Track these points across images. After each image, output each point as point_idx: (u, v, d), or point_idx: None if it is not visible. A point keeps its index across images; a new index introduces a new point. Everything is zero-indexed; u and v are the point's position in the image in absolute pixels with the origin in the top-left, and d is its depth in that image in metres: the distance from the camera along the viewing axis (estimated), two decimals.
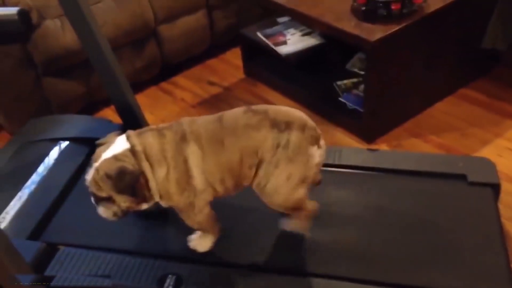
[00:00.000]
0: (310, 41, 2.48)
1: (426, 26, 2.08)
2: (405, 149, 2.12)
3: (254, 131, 1.26)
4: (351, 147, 2.09)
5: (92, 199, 1.29)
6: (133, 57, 2.51)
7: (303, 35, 2.53)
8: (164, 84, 2.71)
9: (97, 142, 1.33)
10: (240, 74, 2.72)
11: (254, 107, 1.33)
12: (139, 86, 2.58)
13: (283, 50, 2.44)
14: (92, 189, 1.26)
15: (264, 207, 1.37)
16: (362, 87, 2.31)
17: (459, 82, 2.42)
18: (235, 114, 1.32)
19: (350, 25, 2.04)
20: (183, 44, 2.67)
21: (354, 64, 2.51)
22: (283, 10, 2.38)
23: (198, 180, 1.28)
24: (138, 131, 1.33)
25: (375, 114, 2.17)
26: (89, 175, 1.25)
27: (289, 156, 1.25)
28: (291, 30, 2.56)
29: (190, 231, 1.48)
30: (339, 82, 2.41)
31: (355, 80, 2.41)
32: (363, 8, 2.07)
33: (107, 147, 1.28)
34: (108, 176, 1.21)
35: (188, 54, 2.75)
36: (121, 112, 1.96)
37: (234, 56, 2.83)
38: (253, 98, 2.54)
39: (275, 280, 1.37)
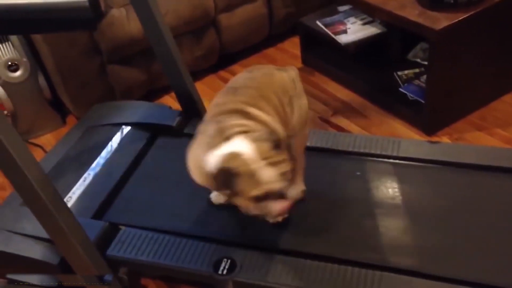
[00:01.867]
0: (371, 30, 2.43)
1: (496, 14, 1.98)
2: (468, 142, 2.04)
3: (272, 76, 1.42)
4: (410, 139, 2.04)
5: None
6: (192, 46, 2.55)
7: (364, 24, 2.48)
8: (222, 72, 2.74)
9: None
10: (298, 63, 2.70)
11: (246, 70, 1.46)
12: (197, 74, 2.61)
13: (342, 39, 2.40)
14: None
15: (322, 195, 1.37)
16: (424, 77, 2.24)
17: None
18: (244, 76, 1.43)
19: (414, 13, 1.98)
20: (242, 33, 2.69)
21: (416, 54, 2.44)
22: None
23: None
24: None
25: (437, 106, 2.10)
26: None
27: (300, 86, 1.49)
28: (352, 19, 2.52)
29: (246, 217, 1.50)
30: (400, 72, 2.35)
31: (417, 70, 2.34)
32: None
33: None
34: None
35: (246, 43, 2.76)
36: (181, 99, 2.01)
37: (292, 46, 2.81)
38: (311, 87, 2.52)
39: (330, 269, 1.37)
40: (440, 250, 1.41)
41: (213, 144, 1.22)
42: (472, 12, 1.91)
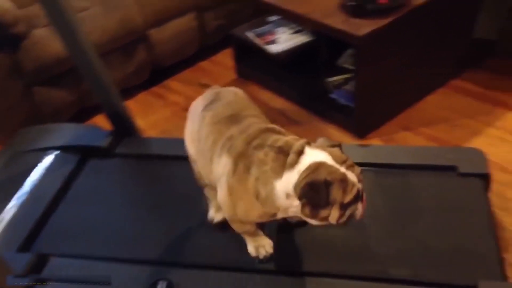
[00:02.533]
0: (300, 39, 2.47)
1: (415, 19, 2.07)
2: (397, 143, 2.11)
3: (238, 95, 1.49)
4: (343, 143, 2.08)
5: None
6: (123, 62, 2.51)
7: (293, 33, 2.52)
8: (155, 89, 2.71)
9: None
10: (232, 75, 2.71)
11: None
12: (130, 91, 2.57)
13: (273, 48, 2.43)
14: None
15: None
16: (353, 83, 2.30)
17: (450, 74, 2.41)
18: (220, 104, 1.38)
19: (338, 21, 2.04)
20: (173, 47, 2.67)
21: (345, 60, 2.50)
22: (273, 9, 2.38)
23: None
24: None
25: (367, 110, 2.16)
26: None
27: None
28: (281, 29, 2.56)
29: (175, 235, 1.49)
30: (330, 79, 2.40)
31: (346, 76, 2.40)
32: (351, 3, 2.06)
33: None
34: None
35: (178, 57, 2.75)
36: (111, 118, 1.97)
37: (226, 57, 2.82)
38: None
39: (266, 280, 1.37)
40: (381, 251, 1.44)
41: (281, 165, 1.16)
42: (393, 18, 1.99)
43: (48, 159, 1.83)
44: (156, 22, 2.58)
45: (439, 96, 2.32)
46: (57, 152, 1.86)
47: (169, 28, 2.64)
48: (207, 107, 1.37)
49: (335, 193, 1.13)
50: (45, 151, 1.86)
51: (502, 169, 1.89)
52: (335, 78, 2.40)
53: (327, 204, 1.14)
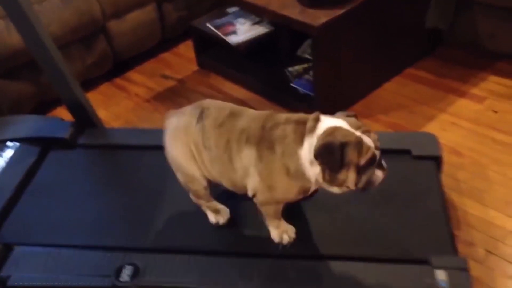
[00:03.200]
0: (260, 30, 2.51)
1: (370, 9, 2.14)
2: None
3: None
4: None
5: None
6: (83, 54, 2.49)
7: (253, 24, 2.56)
8: (117, 80, 2.70)
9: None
10: (194, 66, 2.73)
11: None
12: (91, 83, 2.56)
13: (233, 39, 2.46)
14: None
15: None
16: (312, 72, 2.36)
17: (405, 62, 2.50)
18: (214, 106, 1.42)
19: (295, 12, 2.09)
20: (134, 38, 2.67)
21: (305, 50, 2.56)
22: (232, 1, 2.41)
23: None
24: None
25: (326, 98, 2.23)
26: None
27: None
28: (241, 20, 2.59)
29: (140, 222, 1.51)
30: (290, 69, 2.46)
31: (305, 65, 2.46)
32: None
33: None
34: None
35: (139, 48, 2.74)
36: (72, 109, 1.97)
37: (187, 49, 2.84)
38: (208, 89, 2.56)
39: (232, 263, 1.42)
40: (341, 232, 1.50)
41: (301, 134, 1.23)
42: (348, 8, 2.05)
43: (9, 151, 1.82)
44: (115, 14, 2.57)
45: (395, 84, 2.41)
46: (18, 143, 1.84)
47: (129, 20, 2.63)
48: (200, 118, 1.37)
49: (350, 155, 1.18)
50: (5, 142, 1.84)
51: (454, 152, 1.99)
52: (295, 67, 2.46)
53: (343, 166, 1.19)
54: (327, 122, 1.23)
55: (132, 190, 1.71)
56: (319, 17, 2.02)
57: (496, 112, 2.18)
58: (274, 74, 2.47)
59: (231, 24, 2.57)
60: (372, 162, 1.21)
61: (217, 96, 2.50)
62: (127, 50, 2.68)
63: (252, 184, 1.32)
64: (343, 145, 1.17)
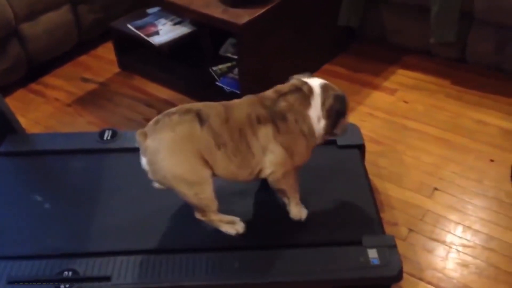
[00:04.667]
0: (182, 30, 2.53)
1: (288, 8, 2.23)
2: None
3: None
4: None
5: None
6: None
7: (174, 24, 2.57)
8: (33, 85, 2.58)
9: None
10: (115, 68, 2.68)
11: None
12: (6, 89, 2.43)
13: (156, 40, 2.45)
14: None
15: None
16: (236, 70, 2.41)
17: (323, 59, 2.63)
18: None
19: (218, 11, 2.13)
20: (49, 42, 2.57)
21: (227, 49, 2.61)
22: (153, 1, 2.40)
23: None
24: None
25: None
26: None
27: None
28: (162, 20, 2.59)
29: (73, 227, 1.48)
30: (214, 68, 2.49)
31: (229, 64, 2.51)
32: None
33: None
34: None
35: (55, 52, 2.64)
36: None
37: (106, 51, 2.78)
38: (132, 91, 2.53)
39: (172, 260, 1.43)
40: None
41: (303, 98, 1.44)
42: (268, 7, 2.13)
43: None
44: (28, 16, 2.46)
45: None
46: None
47: (43, 22, 2.53)
48: (202, 121, 1.37)
49: (348, 104, 1.49)
50: None
51: (373, 141, 2.13)
52: (219, 66, 2.50)
53: (346, 113, 1.49)
54: (314, 82, 1.48)
55: (61, 196, 1.67)
56: (242, 16, 2.08)
57: (406, 102, 2.37)
58: (198, 73, 2.49)
59: (153, 24, 2.55)
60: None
61: (142, 97, 2.48)
62: (43, 54, 2.57)
63: (273, 159, 1.42)
64: (345, 96, 1.47)
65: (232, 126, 1.39)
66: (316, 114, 1.45)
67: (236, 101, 1.49)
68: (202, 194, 1.41)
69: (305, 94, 1.44)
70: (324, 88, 1.46)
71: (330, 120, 1.46)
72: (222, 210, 1.51)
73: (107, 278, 1.37)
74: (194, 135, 1.35)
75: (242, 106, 1.46)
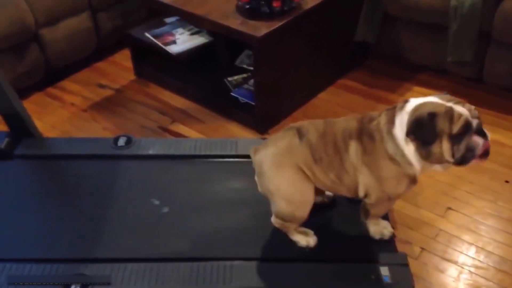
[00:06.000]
0: (199, 40, 2.55)
1: (305, 22, 2.24)
2: None
3: None
4: (246, 138, 2.19)
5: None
6: (14, 63, 2.39)
7: (192, 34, 2.59)
8: (50, 89, 2.61)
9: None
10: (131, 76, 2.70)
11: None
12: (23, 92, 2.45)
13: (173, 49, 2.47)
14: None
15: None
16: (251, 81, 2.42)
17: (337, 73, 2.63)
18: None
19: (237, 23, 2.14)
20: (68, 47, 2.60)
21: (243, 60, 2.62)
22: (171, 10, 2.42)
23: None
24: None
25: (266, 106, 2.29)
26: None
27: None
28: (180, 30, 2.61)
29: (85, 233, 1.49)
30: (230, 78, 2.50)
31: (244, 75, 2.52)
32: (247, 6, 2.18)
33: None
34: None
35: (74, 57, 2.67)
36: (8, 119, 1.89)
37: (123, 58, 2.80)
38: (146, 98, 2.54)
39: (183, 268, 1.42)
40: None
41: (392, 115, 1.30)
42: (285, 20, 2.14)
43: None
44: (48, 21, 2.49)
45: (329, 94, 2.53)
46: None
47: (62, 28, 2.56)
48: (301, 135, 1.39)
49: (441, 124, 1.22)
50: None
51: None
52: (234, 77, 2.51)
53: (435, 137, 1.23)
54: (416, 100, 1.30)
55: (74, 200, 1.68)
56: (260, 29, 2.09)
57: None
58: (213, 83, 2.51)
59: (170, 33, 2.58)
60: (467, 130, 1.23)
61: (157, 105, 2.49)
62: (61, 59, 2.60)
63: (364, 180, 1.36)
64: (432, 116, 1.22)
65: (328, 140, 1.38)
66: (401, 135, 1.28)
67: (341, 118, 1.45)
68: (299, 213, 1.43)
69: (394, 111, 1.32)
70: (417, 107, 1.27)
71: (417, 144, 1.27)
72: None
73: (108, 284, 1.37)
74: (293, 149, 1.39)
75: (342, 120, 1.41)
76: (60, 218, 1.60)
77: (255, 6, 2.16)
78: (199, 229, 1.56)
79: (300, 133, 1.40)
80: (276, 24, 2.11)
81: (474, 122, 1.25)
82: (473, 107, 1.28)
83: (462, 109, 1.24)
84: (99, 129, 2.34)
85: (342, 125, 1.40)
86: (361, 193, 1.41)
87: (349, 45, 2.60)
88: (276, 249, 1.51)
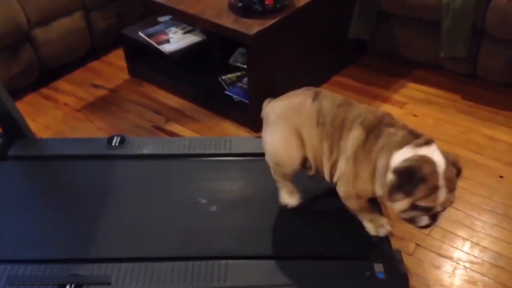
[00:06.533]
0: (192, 38, 2.54)
1: (298, 19, 2.24)
2: None
3: None
4: (240, 136, 2.19)
5: None
6: (7, 63, 2.38)
7: (185, 32, 2.58)
8: (44, 90, 2.60)
9: None
10: (125, 75, 2.70)
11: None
12: (17, 93, 2.45)
13: (166, 48, 2.47)
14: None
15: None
16: (245, 80, 2.42)
17: (332, 71, 2.63)
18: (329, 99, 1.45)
19: (229, 21, 2.14)
20: (61, 47, 2.59)
21: (236, 59, 2.62)
22: (164, 9, 2.42)
23: None
24: None
25: (260, 104, 2.26)
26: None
27: None
28: (173, 29, 2.60)
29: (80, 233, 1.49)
30: (223, 77, 2.50)
31: (238, 73, 2.51)
32: (240, 4, 2.18)
33: None
34: None
35: (67, 57, 2.67)
36: (1, 120, 1.88)
37: (117, 58, 2.80)
38: (141, 98, 2.54)
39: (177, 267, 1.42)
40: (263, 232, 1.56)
41: (407, 141, 1.26)
42: (278, 18, 2.13)
43: None
44: (41, 21, 2.48)
45: None
46: None
47: (56, 28, 2.55)
48: (316, 98, 1.43)
49: (419, 192, 1.21)
50: None
51: None
52: (228, 75, 2.50)
53: (407, 193, 1.22)
54: (434, 151, 1.25)
55: (68, 201, 1.67)
56: (253, 26, 2.08)
57: (416, 116, 2.36)
58: (207, 82, 2.50)
59: (164, 32, 2.57)
60: (427, 210, 1.25)
61: (151, 104, 2.49)
62: (54, 59, 2.59)
63: (342, 167, 1.37)
64: (421, 180, 1.20)
65: (339, 112, 1.39)
66: (395, 162, 1.26)
67: (364, 105, 1.44)
68: (282, 170, 1.49)
69: (410, 140, 1.27)
70: (425, 159, 1.23)
71: (392, 181, 1.25)
72: None
73: (108, 283, 1.36)
74: (302, 108, 1.44)
75: (362, 107, 1.42)
76: (54, 218, 1.59)
77: (248, 4, 2.16)
78: (193, 228, 1.55)
79: (316, 96, 1.44)
80: (269, 22, 2.11)
81: (437, 209, 1.25)
82: (452, 200, 1.26)
83: (443, 195, 1.22)
84: (93, 129, 2.34)
85: (359, 111, 1.40)
86: (335, 178, 1.43)
87: (343, 42, 2.59)
88: (270, 247, 1.51)
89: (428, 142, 1.28)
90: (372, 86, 2.55)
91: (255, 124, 2.29)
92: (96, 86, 2.64)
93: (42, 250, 1.48)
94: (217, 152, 1.83)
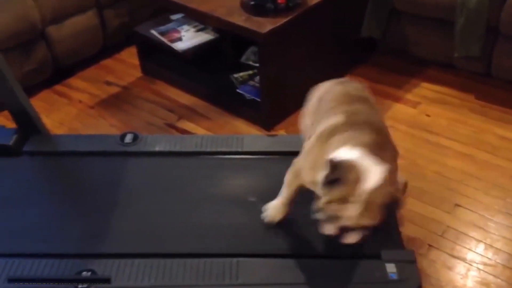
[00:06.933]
0: (205, 36, 2.54)
1: (310, 18, 2.23)
2: (300, 133, 2.26)
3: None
4: (252, 135, 2.19)
5: None
6: (21, 60, 2.40)
7: (197, 30, 2.59)
8: (58, 87, 2.62)
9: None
10: (138, 73, 2.71)
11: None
12: (31, 90, 2.46)
13: (179, 46, 2.47)
14: None
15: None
16: (257, 78, 2.42)
17: (344, 69, 2.61)
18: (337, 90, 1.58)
19: (241, 19, 2.14)
20: (75, 45, 2.61)
21: (248, 57, 2.61)
22: (176, 7, 2.42)
23: None
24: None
25: (272, 103, 2.29)
26: None
27: None
28: (185, 27, 2.61)
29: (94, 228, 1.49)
30: (235, 75, 2.50)
31: (250, 72, 2.51)
32: (252, 2, 2.18)
33: None
34: None
35: (81, 55, 2.68)
36: (16, 116, 1.90)
37: (130, 55, 2.81)
38: (153, 95, 2.55)
39: (189, 264, 1.43)
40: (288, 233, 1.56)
41: (358, 146, 1.22)
42: (290, 17, 2.13)
43: None
44: (55, 19, 2.50)
45: None
46: None
47: (69, 26, 2.57)
48: (340, 83, 1.59)
49: (338, 190, 1.15)
50: None
51: None
52: (240, 74, 2.50)
53: (328, 186, 1.17)
54: (378, 171, 1.17)
55: (81, 196, 1.69)
56: (265, 25, 2.08)
57: (429, 116, 2.34)
58: (219, 80, 2.50)
59: (176, 30, 2.58)
60: (336, 220, 1.20)
61: (163, 102, 2.50)
62: (68, 56, 2.61)
63: (310, 141, 1.40)
64: (343, 180, 1.15)
65: (340, 95, 1.49)
66: (331, 151, 1.25)
67: (373, 111, 1.48)
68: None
69: (369, 150, 1.22)
70: (364, 160, 1.19)
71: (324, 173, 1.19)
72: None
73: (107, 280, 1.37)
74: (325, 87, 1.60)
75: (372, 111, 1.47)
76: (67, 213, 1.61)
77: (260, 2, 2.16)
78: (204, 226, 1.56)
79: (342, 82, 1.62)
80: (281, 20, 2.11)
81: (344, 222, 1.19)
82: (366, 222, 1.19)
83: (354, 210, 1.16)
84: (106, 126, 2.35)
85: (362, 109, 1.43)
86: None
87: (355, 40, 2.58)
88: (281, 245, 1.51)
89: (382, 164, 1.19)
90: (384, 85, 2.53)
91: (267, 123, 2.30)
92: (109, 83, 2.65)
93: (55, 245, 1.49)
94: (229, 150, 1.83)
